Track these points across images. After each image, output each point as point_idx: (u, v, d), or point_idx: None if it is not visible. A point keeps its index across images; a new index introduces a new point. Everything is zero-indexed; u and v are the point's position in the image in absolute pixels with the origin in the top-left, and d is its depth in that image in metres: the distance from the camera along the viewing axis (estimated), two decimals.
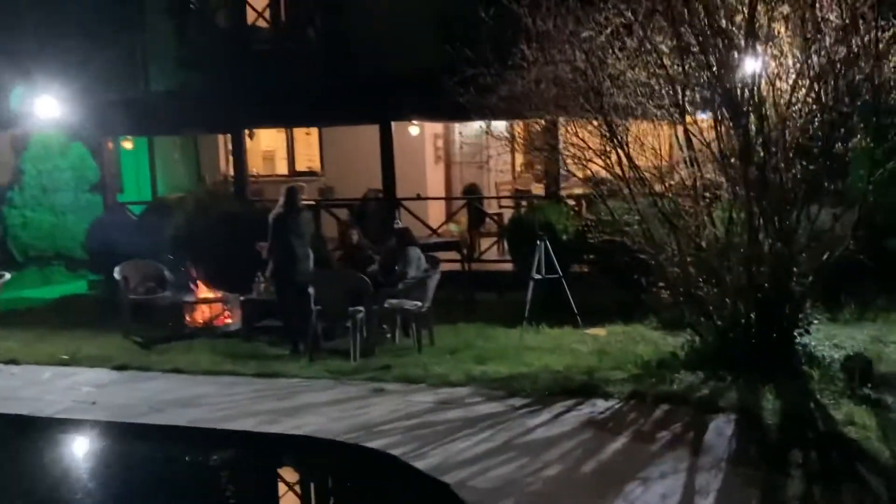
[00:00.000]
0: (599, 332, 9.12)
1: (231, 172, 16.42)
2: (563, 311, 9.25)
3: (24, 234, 15.59)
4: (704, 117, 7.56)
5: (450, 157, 15.13)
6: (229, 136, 14.19)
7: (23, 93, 13.21)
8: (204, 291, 9.49)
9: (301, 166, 16.48)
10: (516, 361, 7.96)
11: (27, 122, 13.89)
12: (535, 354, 8.20)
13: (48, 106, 13.18)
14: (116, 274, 10.37)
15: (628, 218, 7.65)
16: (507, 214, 12.61)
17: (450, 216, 12.94)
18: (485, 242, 12.65)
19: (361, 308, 8.28)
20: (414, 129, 12.94)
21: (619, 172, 7.51)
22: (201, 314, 9.27)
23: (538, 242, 9.16)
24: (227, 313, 9.39)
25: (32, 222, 15.58)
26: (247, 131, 13.47)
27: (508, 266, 11.43)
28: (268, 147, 16.99)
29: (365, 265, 9.26)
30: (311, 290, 8.38)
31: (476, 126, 11.47)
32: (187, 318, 9.25)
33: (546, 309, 9.32)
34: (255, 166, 16.82)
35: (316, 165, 16.18)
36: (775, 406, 6.28)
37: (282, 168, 16.71)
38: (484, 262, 12.09)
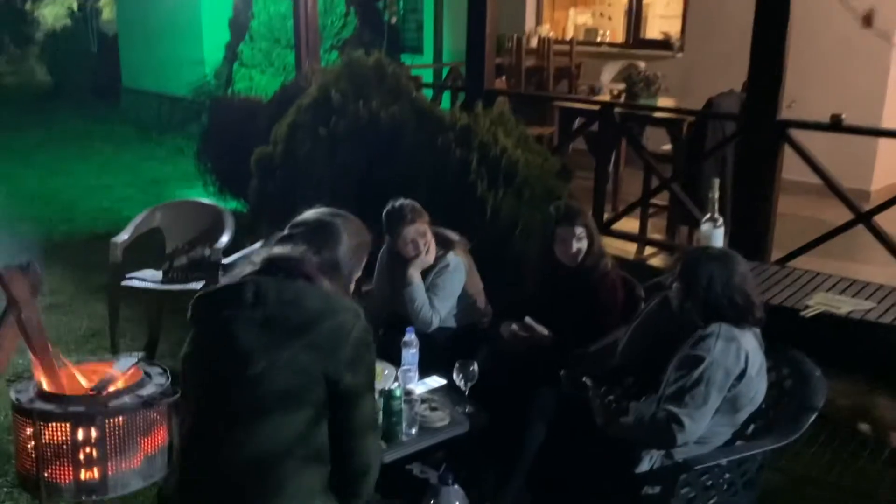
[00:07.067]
0: None
1: (548, 33, 10.16)
2: None
3: None
4: None
5: None
6: None
7: None
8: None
9: (652, 32, 9.38)
10: None
11: None
12: None
13: None
14: (122, 236, 5.14)
15: None
16: None
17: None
18: None
19: None
20: None
21: None
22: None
23: None
24: None
25: (259, 88, 10.99)
26: None
27: None
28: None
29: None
30: None
31: None
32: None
33: None
34: (612, 29, 10.16)
35: (675, 31, 8.96)
36: None
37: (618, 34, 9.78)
38: None
